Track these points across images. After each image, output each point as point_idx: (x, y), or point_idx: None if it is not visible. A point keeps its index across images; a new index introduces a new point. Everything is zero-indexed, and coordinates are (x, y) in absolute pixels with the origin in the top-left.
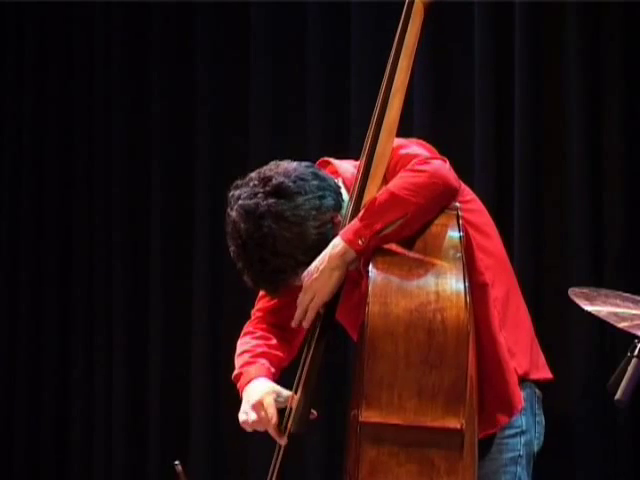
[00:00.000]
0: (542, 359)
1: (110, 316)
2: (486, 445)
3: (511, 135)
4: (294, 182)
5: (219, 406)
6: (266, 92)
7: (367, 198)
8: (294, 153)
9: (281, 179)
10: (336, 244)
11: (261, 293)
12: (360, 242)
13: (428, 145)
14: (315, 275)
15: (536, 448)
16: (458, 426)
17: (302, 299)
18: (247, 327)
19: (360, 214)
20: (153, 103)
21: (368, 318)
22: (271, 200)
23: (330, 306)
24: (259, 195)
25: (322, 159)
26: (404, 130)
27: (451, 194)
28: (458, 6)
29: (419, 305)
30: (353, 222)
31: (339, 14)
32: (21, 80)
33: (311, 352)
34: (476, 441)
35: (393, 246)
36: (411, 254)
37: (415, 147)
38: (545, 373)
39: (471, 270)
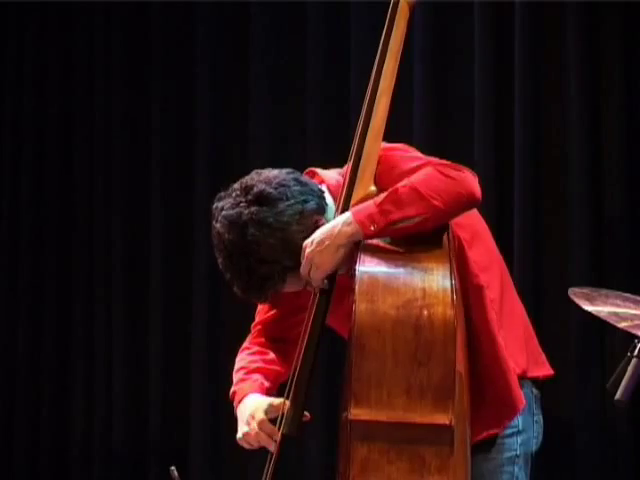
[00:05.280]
0: (542, 356)
1: (110, 318)
2: (484, 445)
3: (511, 135)
4: (275, 189)
5: (219, 407)
6: (266, 92)
7: (355, 200)
8: (294, 153)
9: (262, 187)
10: (347, 222)
11: (260, 306)
12: (372, 227)
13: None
14: (319, 248)
15: (534, 448)
16: (447, 422)
17: (304, 270)
18: (245, 342)
19: (378, 199)
20: (153, 103)
21: (355, 316)
22: (253, 208)
23: (323, 301)
24: (241, 204)
25: (309, 169)
26: (404, 131)
27: (472, 206)
28: (458, 6)
29: (406, 302)
30: (367, 204)
31: (339, 14)
32: (21, 80)
33: (302, 352)
34: (468, 439)
35: (380, 243)
36: (398, 251)
37: (415, 152)
38: (545, 370)
39: (465, 273)
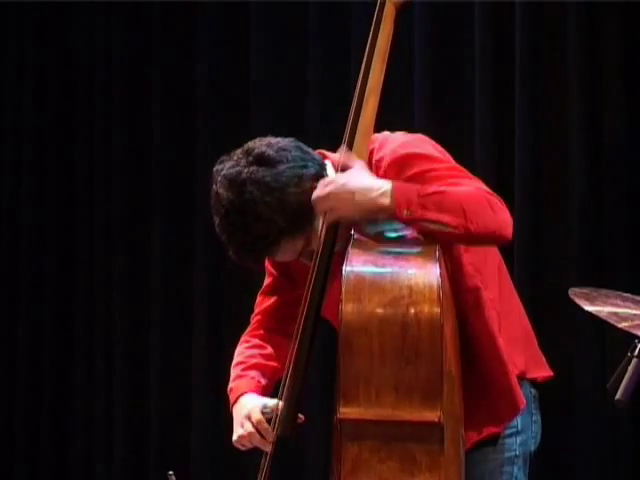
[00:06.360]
0: (541, 357)
1: (110, 318)
2: (483, 445)
3: (511, 135)
4: (276, 152)
5: (219, 407)
6: (266, 92)
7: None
8: None
9: (263, 149)
10: (386, 193)
11: (259, 297)
12: (405, 213)
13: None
14: (345, 195)
15: (533, 447)
16: (436, 419)
17: (319, 198)
18: (245, 335)
19: (422, 190)
20: (153, 103)
21: (342, 315)
22: (252, 168)
23: (323, 267)
24: (241, 164)
25: (318, 150)
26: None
27: (495, 245)
28: (458, 6)
29: (392, 300)
30: (410, 188)
31: (339, 14)
32: (21, 80)
33: (295, 350)
34: (461, 438)
35: (369, 241)
36: (385, 250)
37: (452, 163)
38: (544, 371)
39: (461, 274)
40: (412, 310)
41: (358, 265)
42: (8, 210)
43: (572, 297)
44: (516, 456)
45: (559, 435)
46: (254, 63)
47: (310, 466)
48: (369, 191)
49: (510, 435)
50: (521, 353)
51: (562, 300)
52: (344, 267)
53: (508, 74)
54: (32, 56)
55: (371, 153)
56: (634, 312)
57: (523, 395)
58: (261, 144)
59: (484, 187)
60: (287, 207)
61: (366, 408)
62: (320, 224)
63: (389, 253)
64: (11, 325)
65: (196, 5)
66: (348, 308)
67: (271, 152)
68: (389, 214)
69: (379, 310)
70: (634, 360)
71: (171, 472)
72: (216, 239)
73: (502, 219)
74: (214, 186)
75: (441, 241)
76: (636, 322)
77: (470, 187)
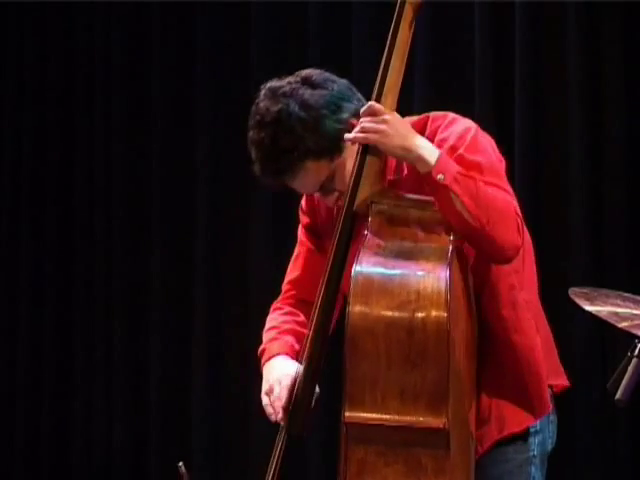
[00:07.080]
0: (560, 366)
1: (110, 318)
2: (502, 445)
3: (511, 135)
4: (324, 79)
5: (219, 407)
6: None
7: (359, 200)
8: None
9: (313, 73)
10: (432, 152)
11: (291, 265)
12: (439, 177)
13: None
14: (401, 131)
15: (549, 448)
16: (441, 425)
17: (370, 123)
18: (276, 303)
19: (462, 170)
20: (153, 103)
21: (348, 318)
22: (296, 85)
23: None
24: (288, 81)
25: None
26: None
27: (492, 258)
28: (458, 6)
29: (400, 304)
30: (452, 162)
31: (340, 13)
32: (21, 80)
33: (316, 315)
34: (470, 441)
35: (381, 242)
36: (397, 252)
37: (500, 171)
38: (563, 380)
39: (495, 272)
40: (419, 315)
41: (367, 266)
42: (8, 210)
43: (572, 297)
44: (534, 456)
45: (559, 435)
46: (254, 63)
47: (315, 466)
48: (421, 140)
49: (530, 435)
50: (544, 359)
51: (562, 300)
52: (354, 267)
53: (508, 74)
54: (32, 56)
55: (436, 129)
56: (634, 312)
57: None
58: (313, 70)
59: (517, 206)
60: (319, 128)
61: (372, 412)
62: (350, 166)
63: (400, 254)
64: (11, 325)
65: (196, 5)
66: (355, 310)
67: (318, 77)
68: (426, 170)
69: (386, 314)
70: (634, 360)
71: (181, 463)
72: (216, 240)
73: (515, 240)
74: (257, 100)
75: (455, 227)
76: (636, 322)
77: (505, 197)
